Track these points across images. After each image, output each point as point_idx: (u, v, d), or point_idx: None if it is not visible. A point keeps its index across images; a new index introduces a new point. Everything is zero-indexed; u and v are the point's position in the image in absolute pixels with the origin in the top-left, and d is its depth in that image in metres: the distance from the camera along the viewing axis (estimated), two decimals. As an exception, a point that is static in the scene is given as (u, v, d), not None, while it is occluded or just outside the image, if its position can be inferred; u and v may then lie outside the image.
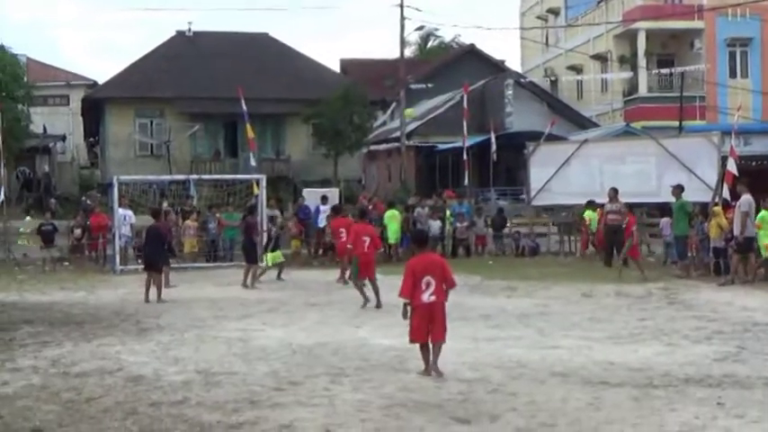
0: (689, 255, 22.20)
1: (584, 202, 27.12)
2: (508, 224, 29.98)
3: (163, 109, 46.36)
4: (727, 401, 8.82)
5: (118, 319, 15.29)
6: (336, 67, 58.74)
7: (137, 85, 46.02)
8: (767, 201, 19.95)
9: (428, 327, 10.10)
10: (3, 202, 28.58)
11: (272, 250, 21.78)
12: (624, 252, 22.39)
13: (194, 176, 31.41)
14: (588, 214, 26.14)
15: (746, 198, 19.68)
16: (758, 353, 11.50)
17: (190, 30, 51.06)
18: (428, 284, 10.10)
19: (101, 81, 52.21)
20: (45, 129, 50.30)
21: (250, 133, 30.33)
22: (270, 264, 21.61)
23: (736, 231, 19.56)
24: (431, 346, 10.12)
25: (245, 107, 29.54)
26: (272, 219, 24.39)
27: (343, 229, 20.03)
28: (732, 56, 49.39)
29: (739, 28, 48.59)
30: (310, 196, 30.59)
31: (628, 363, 10.82)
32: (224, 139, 47.38)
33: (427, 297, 10.08)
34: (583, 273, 22.28)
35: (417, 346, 10.24)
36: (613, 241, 23.64)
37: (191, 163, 44.23)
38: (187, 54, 48.35)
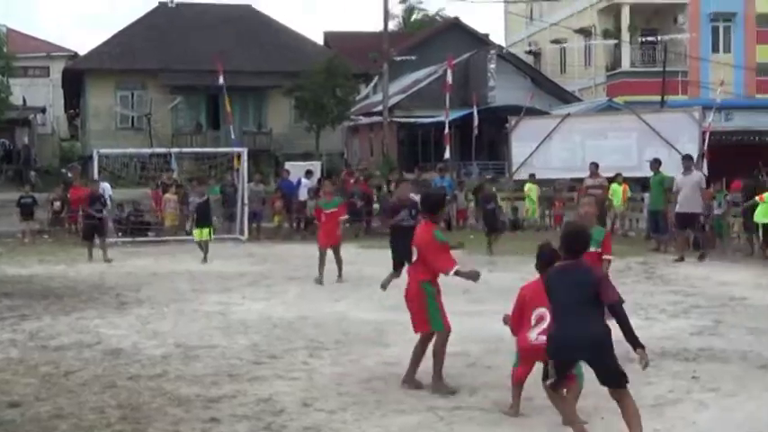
0: (667, 229, 22.32)
1: (565, 176, 27.23)
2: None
3: (144, 81, 46.04)
4: (703, 375, 8.91)
5: (97, 293, 15.26)
6: (320, 40, 58.52)
7: (118, 56, 45.67)
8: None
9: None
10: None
11: (200, 226, 20.73)
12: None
13: (175, 150, 31.31)
14: (615, 188, 26.01)
15: (675, 177, 20.20)
16: (734, 327, 11.60)
17: (172, 1, 50.66)
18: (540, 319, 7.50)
19: (82, 52, 51.83)
20: (25, 100, 49.89)
21: (228, 107, 30.17)
22: (196, 239, 20.75)
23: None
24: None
25: (222, 80, 29.38)
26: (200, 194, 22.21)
27: None
28: (715, 31, 49.50)
29: (723, 3, 48.69)
30: (293, 170, 30.54)
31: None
32: (206, 112, 47.12)
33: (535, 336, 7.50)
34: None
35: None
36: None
37: (172, 136, 44.04)
38: (169, 26, 47.99)
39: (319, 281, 15.96)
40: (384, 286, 12.96)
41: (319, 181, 29.26)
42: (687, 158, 20.40)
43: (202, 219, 20.77)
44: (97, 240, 20.63)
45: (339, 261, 16.65)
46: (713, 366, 9.34)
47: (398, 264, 13.89)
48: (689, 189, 19.30)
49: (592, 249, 8.48)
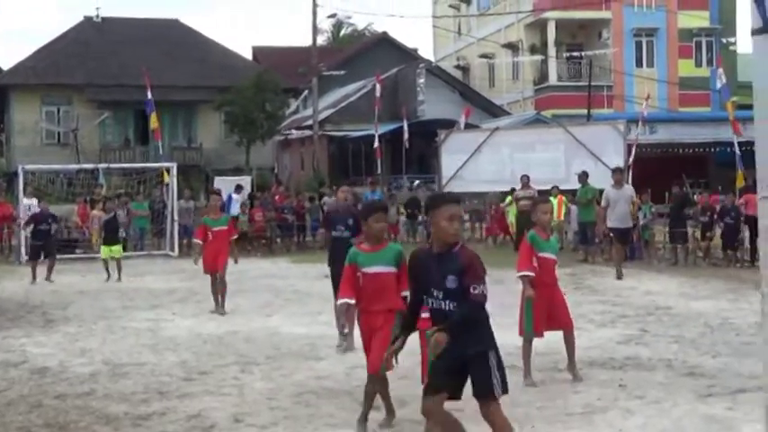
0: (595, 241, 22.68)
1: (495, 189, 27.50)
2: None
3: (70, 96, 45.47)
4: (629, 383, 9.05)
5: (23, 311, 14.99)
6: (249, 55, 58.32)
7: (43, 71, 45.04)
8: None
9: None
10: None
11: (108, 243, 19.99)
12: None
13: (103, 165, 30.92)
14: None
15: (605, 191, 19.25)
16: (660, 336, 11.81)
17: (98, 15, 50.12)
18: None
19: (5, 67, 50.90)
20: (-54, 116, 48.97)
21: (154, 122, 29.87)
22: (102, 257, 20.03)
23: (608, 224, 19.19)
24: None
25: (150, 95, 29.08)
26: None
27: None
28: (639, 45, 50.43)
29: (645, 18, 49.64)
30: (223, 185, 30.36)
31: (535, 346, 10.95)
32: (134, 127, 46.67)
33: None
34: (493, 259, 22.50)
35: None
36: (525, 227, 24.10)
37: (99, 151, 43.52)
38: (95, 40, 47.49)
39: (220, 312, 14.29)
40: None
41: (250, 196, 29.22)
42: (618, 172, 19.79)
43: (111, 235, 20.09)
44: (42, 259, 20.11)
45: (223, 288, 14.60)
46: (639, 374, 9.50)
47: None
48: (623, 204, 18.72)
49: (550, 256, 9.19)
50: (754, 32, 2.41)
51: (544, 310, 9.18)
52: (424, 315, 6.07)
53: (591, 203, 22.61)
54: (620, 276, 18.27)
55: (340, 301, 7.55)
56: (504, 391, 5.82)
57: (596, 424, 7.64)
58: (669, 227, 22.41)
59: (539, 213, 9.42)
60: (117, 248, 19.98)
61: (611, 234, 19.43)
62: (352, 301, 7.39)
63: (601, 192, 23.53)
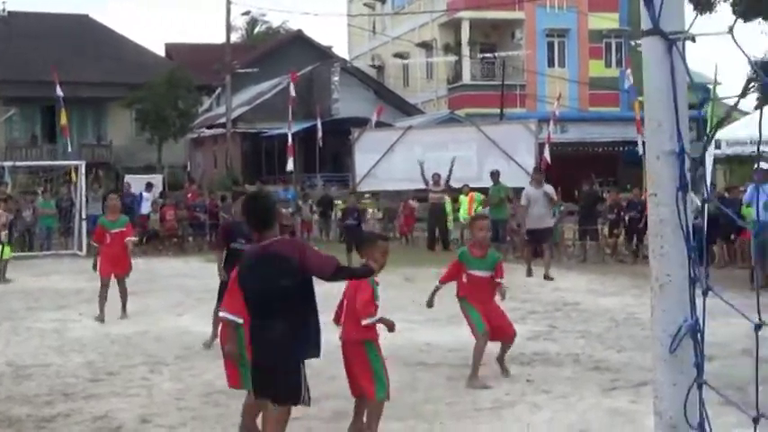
0: (507, 239, 22.96)
1: (408, 188, 27.65)
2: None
3: (-25, 92, 44.32)
4: (537, 378, 9.19)
5: (-76, 313, 14.56)
6: (161, 52, 57.59)
7: (-53, 66, 43.81)
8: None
9: None
10: None
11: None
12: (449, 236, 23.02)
13: (8, 163, 30.21)
14: (462, 199, 26.37)
15: (525, 190, 19.15)
16: (568, 331, 12.02)
17: (4, 9, 48.97)
18: None
19: None
20: None
21: (63, 119, 29.29)
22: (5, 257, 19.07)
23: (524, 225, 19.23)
24: None
25: (59, 91, 28.50)
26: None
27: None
28: (550, 46, 51.14)
29: (557, 19, 50.35)
30: (133, 183, 29.96)
31: (445, 344, 11.09)
32: (41, 124, 45.71)
33: None
34: (406, 257, 22.64)
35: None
36: (436, 224, 24.39)
37: (5, 148, 42.49)
38: (1, 35, 46.34)
39: (101, 318, 13.31)
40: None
41: (161, 194, 28.89)
42: (538, 171, 19.75)
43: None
44: None
45: (124, 293, 13.81)
46: (547, 370, 9.65)
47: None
48: (542, 204, 18.53)
49: (482, 274, 8.93)
50: (645, 34, 2.47)
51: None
52: None
53: (503, 202, 22.87)
54: (530, 273, 18.42)
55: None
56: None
57: (504, 419, 7.73)
58: (579, 224, 22.80)
59: (475, 231, 9.36)
60: (7, 249, 19.18)
61: (527, 235, 19.23)
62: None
63: (514, 190, 23.92)
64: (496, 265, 9.32)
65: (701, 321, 2.54)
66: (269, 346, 5.77)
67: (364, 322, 7.18)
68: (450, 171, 24.66)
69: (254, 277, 5.83)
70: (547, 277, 17.78)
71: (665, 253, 2.60)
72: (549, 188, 19.03)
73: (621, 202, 22.70)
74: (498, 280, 9.29)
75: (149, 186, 28.58)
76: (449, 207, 25.36)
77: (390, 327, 7.35)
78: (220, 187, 35.60)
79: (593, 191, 24.79)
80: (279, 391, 5.86)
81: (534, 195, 18.53)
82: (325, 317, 12.47)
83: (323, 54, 57.63)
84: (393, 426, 7.51)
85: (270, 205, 6.30)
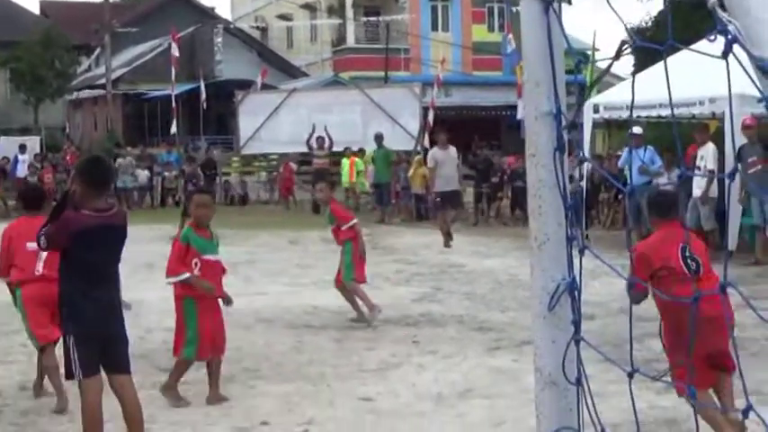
0: (391, 201, 23.11)
1: (293, 150, 27.54)
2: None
3: None
4: (422, 339, 9.33)
5: None
6: (36, 9, 55.73)
7: None
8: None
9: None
10: None
11: None
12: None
13: None
14: (344, 162, 26.19)
15: (432, 153, 18.07)
16: (452, 293, 12.21)
17: None
18: None
19: None
20: None
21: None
22: None
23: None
24: None
25: None
26: None
27: None
28: (434, 10, 51.29)
29: (441, -17, 50.59)
30: (7, 145, 29.07)
31: (330, 306, 11.14)
32: None
33: None
34: (291, 221, 22.63)
35: None
36: (318, 183, 24.40)
37: None
38: None
39: None
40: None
41: (35, 156, 28.12)
42: (443, 133, 18.15)
43: None
44: None
45: None
46: (432, 331, 9.80)
47: None
48: (450, 166, 17.33)
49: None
50: (522, -4, 2.52)
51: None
52: None
53: (388, 165, 22.98)
54: (448, 244, 16.50)
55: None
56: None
57: (390, 379, 7.84)
58: (474, 188, 22.58)
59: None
60: None
61: (438, 198, 17.66)
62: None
63: (397, 153, 24.07)
64: (335, 215, 10.45)
65: (577, 280, 2.62)
66: (109, 314, 5.77)
67: (166, 281, 7.38)
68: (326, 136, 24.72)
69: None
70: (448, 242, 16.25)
71: (543, 212, 2.66)
72: (453, 150, 17.94)
73: (504, 167, 22.98)
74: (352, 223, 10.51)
75: (23, 148, 27.74)
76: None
77: (210, 292, 7.41)
78: (101, 149, 34.80)
79: (486, 156, 25.00)
80: (127, 359, 5.92)
81: (441, 157, 17.42)
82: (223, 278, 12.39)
83: (205, 14, 56.60)
84: (280, 388, 7.55)
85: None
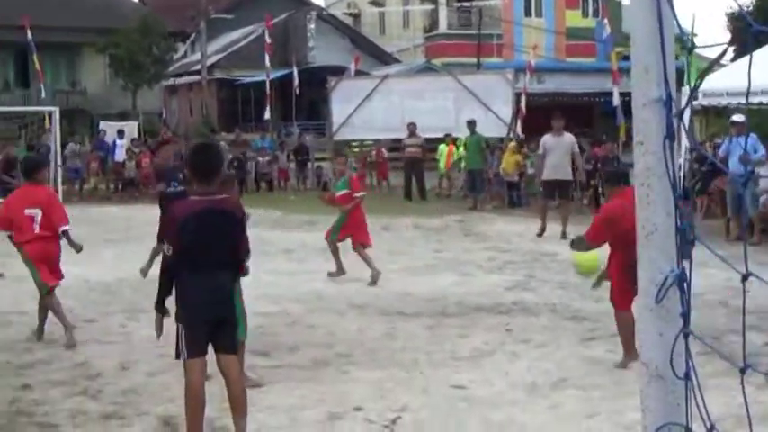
0: (485, 188, 22.98)
1: (385, 137, 27.58)
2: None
3: (-55, 37, 43.60)
4: (515, 327, 9.26)
5: None
6: (135, -3, 56.84)
7: None
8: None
9: None
10: None
11: None
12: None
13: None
14: (442, 148, 26.28)
15: (543, 139, 17.26)
16: (545, 281, 12.09)
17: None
18: None
19: None
20: None
21: (36, 65, 28.93)
22: None
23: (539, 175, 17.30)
24: None
25: (30, 36, 28.01)
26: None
27: None
28: (528, -5, 50.90)
29: (534, -32, 50.10)
30: (108, 130, 29.71)
31: (423, 293, 11.15)
32: (14, 69, 45.10)
33: None
34: (383, 206, 22.64)
35: None
36: (412, 174, 24.39)
37: (-23, 94, 42.01)
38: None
39: None
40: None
41: (132, 141, 28.67)
42: (558, 118, 17.28)
43: None
44: None
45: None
46: (525, 319, 9.72)
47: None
48: (559, 154, 16.53)
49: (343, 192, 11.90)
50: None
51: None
52: None
53: (481, 151, 22.84)
54: (543, 232, 16.49)
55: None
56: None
57: (483, 367, 7.80)
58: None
59: (336, 166, 9.36)
60: None
61: (542, 187, 17.22)
62: None
63: (490, 139, 23.90)
64: (350, 182, 12.51)
65: (687, 271, 2.56)
66: (217, 299, 5.81)
67: None
68: None
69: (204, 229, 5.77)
70: (565, 236, 15.51)
71: (651, 201, 2.60)
72: (569, 137, 16.98)
73: (598, 154, 22.63)
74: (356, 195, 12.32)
75: (121, 133, 28.32)
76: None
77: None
78: (197, 134, 35.39)
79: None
80: (230, 341, 5.93)
81: (550, 144, 16.67)
82: (312, 265, 12.52)
83: (298, 1, 56.98)
84: (372, 374, 7.58)
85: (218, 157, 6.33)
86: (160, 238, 10.32)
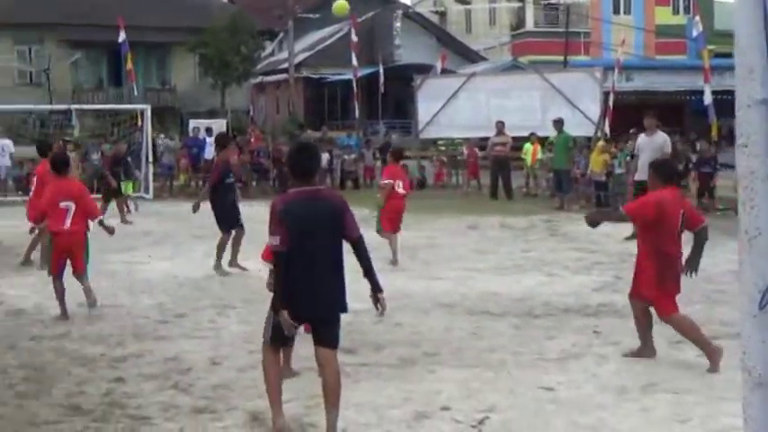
0: (572, 188, 22.74)
1: (471, 135, 27.49)
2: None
3: (42, 36, 44.72)
4: (603, 330, 9.14)
5: (-3, 253, 14.91)
6: (224, -4, 57.65)
7: (13, 10, 44.24)
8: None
9: None
10: None
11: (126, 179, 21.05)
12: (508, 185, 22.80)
13: (76, 106, 30.56)
14: (527, 147, 26.18)
15: (639, 138, 16.84)
16: (634, 283, 11.88)
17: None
18: None
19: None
20: None
21: (129, 64, 29.48)
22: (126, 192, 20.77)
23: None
24: None
25: (122, 36, 28.53)
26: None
27: None
28: (616, -8, 50.26)
29: (623, -35, 49.43)
30: (198, 127, 30.22)
31: (510, 293, 11.08)
32: (107, 68, 46.13)
33: None
34: (469, 205, 22.59)
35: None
36: (499, 173, 24.26)
37: (72, 92, 42.97)
38: (67, -21, 46.66)
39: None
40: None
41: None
42: (650, 117, 16.57)
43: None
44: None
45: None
46: (613, 321, 9.58)
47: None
48: (650, 154, 15.22)
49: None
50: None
51: None
52: None
53: (567, 151, 22.61)
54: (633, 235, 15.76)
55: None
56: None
57: (571, 370, 7.72)
58: None
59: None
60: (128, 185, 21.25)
61: (634, 187, 16.24)
62: None
63: (577, 138, 23.64)
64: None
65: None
66: (315, 296, 5.89)
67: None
68: None
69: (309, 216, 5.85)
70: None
71: (755, 205, 2.54)
72: (662, 136, 16.17)
73: (689, 154, 22.26)
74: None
75: (209, 131, 28.73)
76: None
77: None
78: (284, 132, 35.74)
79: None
80: (331, 337, 6.02)
81: (641, 143, 16.19)
82: (380, 264, 12.52)
83: (384, 0, 57.20)
84: (459, 373, 7.56)
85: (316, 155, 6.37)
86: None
